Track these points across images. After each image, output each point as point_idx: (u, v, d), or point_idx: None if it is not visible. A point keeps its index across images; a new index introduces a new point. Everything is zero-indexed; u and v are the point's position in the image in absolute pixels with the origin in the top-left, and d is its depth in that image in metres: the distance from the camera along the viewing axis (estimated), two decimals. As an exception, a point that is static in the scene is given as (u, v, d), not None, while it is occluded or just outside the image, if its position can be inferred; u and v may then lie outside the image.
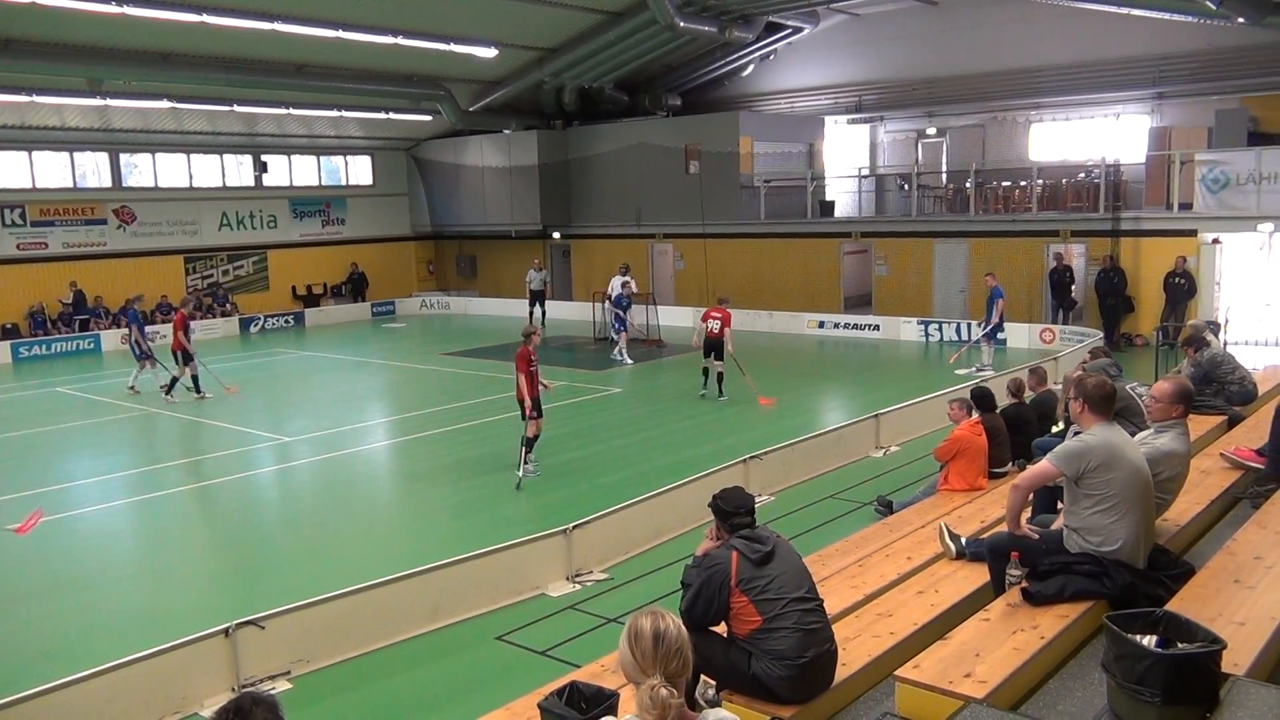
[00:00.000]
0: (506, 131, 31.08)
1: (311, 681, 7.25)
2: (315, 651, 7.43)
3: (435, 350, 24.70)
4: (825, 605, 4.99)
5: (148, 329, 21.31)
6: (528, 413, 12.34)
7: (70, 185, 27.91)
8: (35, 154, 27.07)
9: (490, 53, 25.14)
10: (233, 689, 6.95)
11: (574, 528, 9.02)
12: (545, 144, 30.58)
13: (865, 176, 28.36)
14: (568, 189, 30.98)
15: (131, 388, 19.53)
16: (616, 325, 22.09)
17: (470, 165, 32.81)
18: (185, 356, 18.47)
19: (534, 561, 8.80)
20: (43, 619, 8.83)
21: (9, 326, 26.20)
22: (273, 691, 6.95)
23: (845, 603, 6.09)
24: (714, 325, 16.69)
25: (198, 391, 18.69)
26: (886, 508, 10.08)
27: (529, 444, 12.42)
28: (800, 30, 27.94)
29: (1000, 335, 19.58)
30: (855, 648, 5.19)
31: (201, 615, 8.05)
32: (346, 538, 10.90)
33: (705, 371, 17.25)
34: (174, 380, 18.58)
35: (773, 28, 27.23)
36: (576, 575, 9.00)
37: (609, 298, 24.03)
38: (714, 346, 16.76)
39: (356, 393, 20.11)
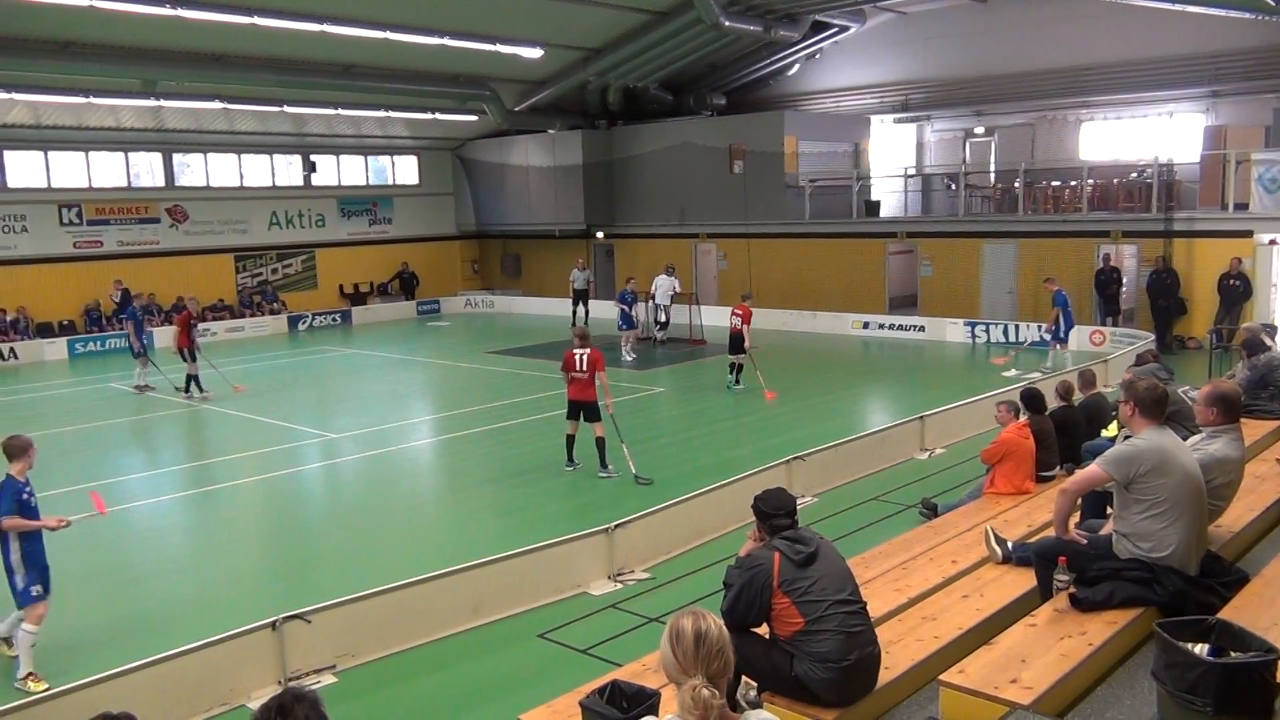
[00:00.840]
0: (551, 131, 31.20)
1: (357, 676, 7.33)
2: (360, 646, 7.50)
3: (479, 349, 24.86)
4: (869, 608, 4.95)
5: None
6: (610, 411, 12.40)
7: (125, 185, 28.51)
8: (92, 154, 27.68)
9: (536, 53, 25.26)
10: (279, 682, 7.05)
11: (616, 527, 9.03)
12: (590, 144, 30.66)
13: (911, 176, 28.11)
14: (612, 188, 31.04)
15: (136, 387, 19.68)
16: (621, 324, 22.13)
17: (515, 165, 32.97)
18: (190, 355, 18.59)
19: (576, 560, 8.83)
20: (93, 611, 9.00)
21: (66, 323, 26.79)
22: (318, 685, 7.04)
23: (889, 606, 6.04)
24: (735, 321, 17.70)
25: (201, 391, 18.72)
26: (931, 510, 9.99)
27: (604, 443, 12.41)
28: (847, 29, 27.77)
29: (1062, 337, 19.01)
30: (899, 651, 5.15)
31: (249, 609, 8.16)
32: (391, 534, 11.00)
33: (731, 367, 18.16)
34: (188, 378, 18.70)
35: (819, 26, 27.08)
36: (618, 574, 9.01)
37: (652, 297, 24.09)
38: (734, 341, 17.83)
39: (402, 390, 20.30)
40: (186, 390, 18.80)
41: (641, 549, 9.31)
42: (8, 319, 25.61)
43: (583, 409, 12.40)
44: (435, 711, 6.99)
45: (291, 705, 3.03)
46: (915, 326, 24.38)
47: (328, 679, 7.21)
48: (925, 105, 28.35)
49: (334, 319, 30.97)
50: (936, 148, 28.93)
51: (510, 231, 34.40)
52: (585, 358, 12.24)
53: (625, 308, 22.29)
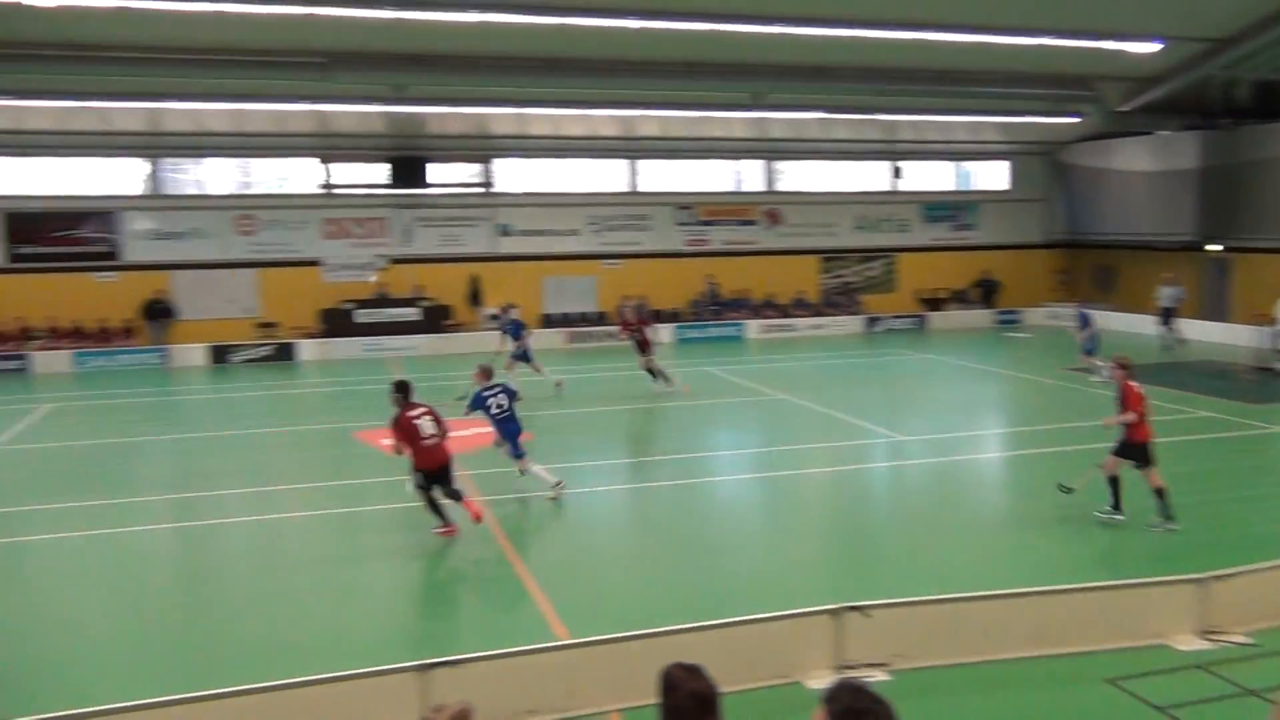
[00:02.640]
0: (1162, 133, 28.31)
1: (909, 678, 7.30)
2: (915, 649, 7.48)
3: (1059, 364, 23.40)
4: None
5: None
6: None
7: (731, 189, 31.53)
8: (707, 162, 31.05)
9: (1152, 47, 23.04)
10: (833, 668, 7.27)
11: (1213, 578, 7.95)
12: (1208, 145, 27.29)
13: None
14: (1234, 196, 27.30)
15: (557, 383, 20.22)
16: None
17: (1116, 169, 30.48)
18: (647, 349, 19.97)
19: (1156, 607, 7.93)
20: (671, 572, 10.04)
21: (673, 311, 30.31)
22: (871, 680, 7.13)
23: None
24: None
25: (657, 382, 19.94)
26: None
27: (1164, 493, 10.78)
28: None
29: None
30: None
31: (808, 592, 8.55)
32: (949, 542, 10.80)
33: None
34: (655, 372, 20.00)
35: None
36: (1210, 632, 7.93)
37: (1275, 321, 20.89)
38: None
39: (973, 399, 19.87)
40: (659, 379, 20.12)
41: (1242, 608, 8.08)
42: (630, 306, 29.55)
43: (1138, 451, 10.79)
44: (987, 734, 6.74)
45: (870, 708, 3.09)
46: None
47: (879, 675, 7.29)
48: None
49: (909, 323, 31.27)
50: None
51: (1104, 241, 31.90)
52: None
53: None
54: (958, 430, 16.54)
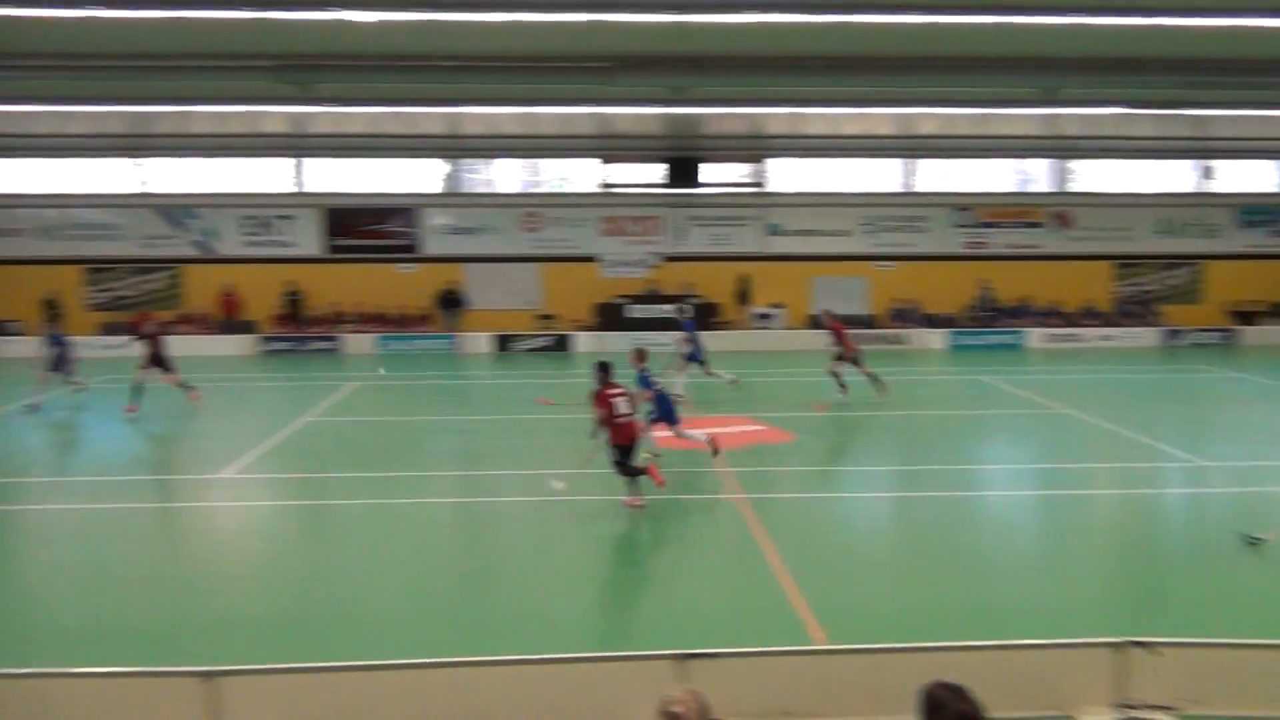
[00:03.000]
0: None
1: (1200, 725, 6.69)
2: (1211, 695, 6.79)
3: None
4: None
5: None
6: None
7: (1015, 190, 29.93)
8: (985, 161, 29.65)
9: None
10: (1113, 706, 6.75)
11: None
12: None
13: None
14: None
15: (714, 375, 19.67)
16: None
17: None
18: (849, 356, 18.66)
19: None
20: (929, 586, 9.65)
21: (947, 316, 29.18)
22: (1155, 723, 6.59)
23: None
24: None
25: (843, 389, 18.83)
26: None
27: None
28: None
29: None
30: None
31: (1082, 622, 8.01)
32: (1247, 580, 9.72)
33: None
34: (872, 376, 18.78)
35: None
36: None
37: None
38: None
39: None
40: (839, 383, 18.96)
41: None
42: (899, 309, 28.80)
43: None
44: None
45: None
46: None
47: (1165, 719, 6.69)
48: None
49: (1216, 337, 28.53)
50: None
51: None
52: None
53: None
54: (1269, 459, 14.88)
